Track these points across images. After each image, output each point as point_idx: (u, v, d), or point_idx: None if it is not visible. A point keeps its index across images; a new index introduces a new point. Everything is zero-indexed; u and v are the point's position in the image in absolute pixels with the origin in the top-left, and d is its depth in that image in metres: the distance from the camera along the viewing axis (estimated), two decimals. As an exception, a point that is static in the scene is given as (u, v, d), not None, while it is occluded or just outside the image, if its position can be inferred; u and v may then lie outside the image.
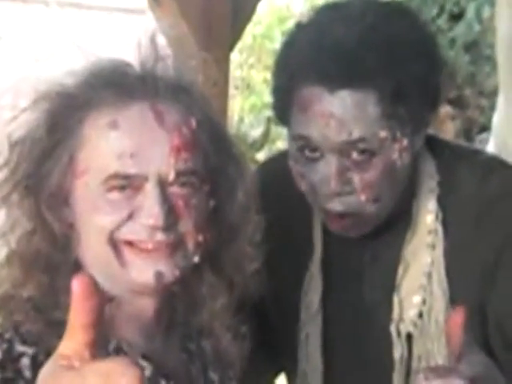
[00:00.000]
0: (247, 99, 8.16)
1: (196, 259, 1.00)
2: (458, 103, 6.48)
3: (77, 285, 0.61)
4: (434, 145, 1.32)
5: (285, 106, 1.23)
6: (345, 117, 1.16)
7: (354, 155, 1.18)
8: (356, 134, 1.16)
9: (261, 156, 6.62)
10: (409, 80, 1.17)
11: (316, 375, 1.32)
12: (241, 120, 7.76)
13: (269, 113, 7.49)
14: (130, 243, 0.97)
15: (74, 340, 0.61)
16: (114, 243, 0.97)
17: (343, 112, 1.16)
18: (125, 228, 0.96)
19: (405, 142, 1.19)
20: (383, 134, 1.17)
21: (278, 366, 1.47)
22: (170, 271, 0.98)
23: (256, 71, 8.33)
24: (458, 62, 6.46)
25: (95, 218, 0.97)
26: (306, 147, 1.20)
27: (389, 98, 1.16)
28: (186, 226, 0.98)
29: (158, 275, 0.97)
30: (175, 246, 0.98)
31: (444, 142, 1.36)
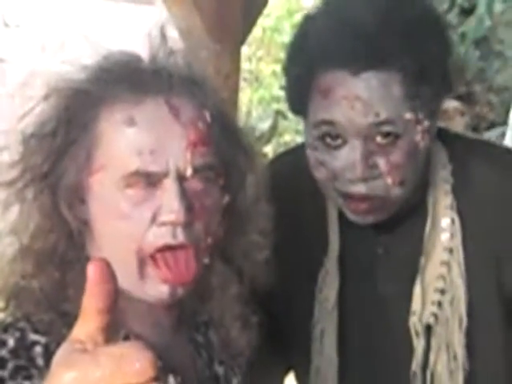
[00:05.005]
0: (255, 92, 8.15)
1: (206, 261, 1.00)
2: (468, 99, 6.46)
3: (92, 269, 0.60)
4: (445, 136, 1.32)
5: (303, 94, 1.21)
6: (371, 98, 1.14)
7: (379, 139, 1.17)
8: (383, 115, 1.15)
9: (268, 149, 6.60)
10: (430, 59, 1.16)
11: (331, 371, 1.31)
12: (249, 113, 7.75)
13: (277, 106, 7.49)
14: (154, 257, 0.97)
15: (87, 325, 0.60)
16: (142, 255, 0.96)
17: (369, 94, 1.14)
18: (151, 234, 0.96)
19: (426, 123, 1.18)
20: (408, 115, 1.16)
21: (288, 362, 1.45)
22: (184, 286, 0.99)
23: (265, 64, 8.32)
24: (468, 58, 6.43)
25: (120, 223, 0.96)
26: (327, 134, 1.19)
27: (412, 77, 1.15)
28: (199, 228, 0.98)
29: (173, 290, 0.98)
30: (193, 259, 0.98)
31: (455, 133, 1.36)
